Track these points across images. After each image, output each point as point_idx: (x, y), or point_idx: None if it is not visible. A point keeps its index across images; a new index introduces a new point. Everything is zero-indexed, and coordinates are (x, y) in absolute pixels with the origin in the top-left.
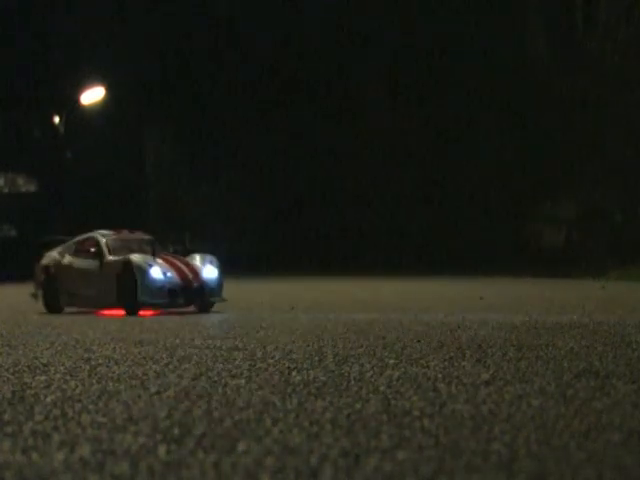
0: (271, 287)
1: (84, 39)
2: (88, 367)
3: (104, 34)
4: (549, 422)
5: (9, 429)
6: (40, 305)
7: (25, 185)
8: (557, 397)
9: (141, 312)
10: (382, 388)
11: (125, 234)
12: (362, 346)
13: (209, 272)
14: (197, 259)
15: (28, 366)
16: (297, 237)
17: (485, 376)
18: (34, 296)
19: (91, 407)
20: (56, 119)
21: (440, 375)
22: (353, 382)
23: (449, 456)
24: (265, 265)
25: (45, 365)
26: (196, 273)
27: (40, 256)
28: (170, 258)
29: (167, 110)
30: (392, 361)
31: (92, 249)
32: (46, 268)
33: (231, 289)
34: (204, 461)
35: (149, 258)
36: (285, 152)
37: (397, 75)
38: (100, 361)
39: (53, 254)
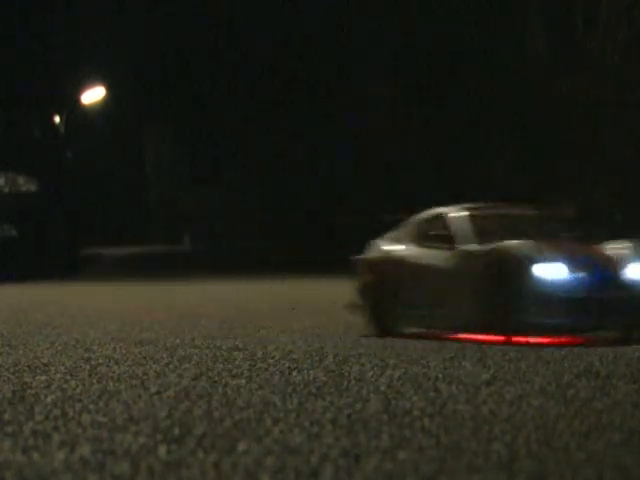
0: (272, 287)
1: (84, 39)
2: (88, 367)
3: (104, 34)
4: (549, 422)
5: (9, 429)
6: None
7: (25, 185)
8: (557, 397)
9: (522, 338)
10: (383, 388)
11: (501, 208)
12: (362, 346)
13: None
14: (618, 248)
15: (28, 366)
16: (297, 237)
17: (486, 376)
18: (353, 308)
19: (91, 407)
20: (56, 119)
21: (441, 375)
22: (354, 382)
23: (450, 456)
24: (264, 265)
25: (45, 365)
26: (618, 272)
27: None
28: (586, 248)
29: (167, 110)
30: (393, 361)
31: (440, 233)
32: (373, 266)
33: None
34: (204, 461)
35: (538, 246)
36: (285, 151)
37: (397, 75)
38: (100, 361)
39: (383, 243)
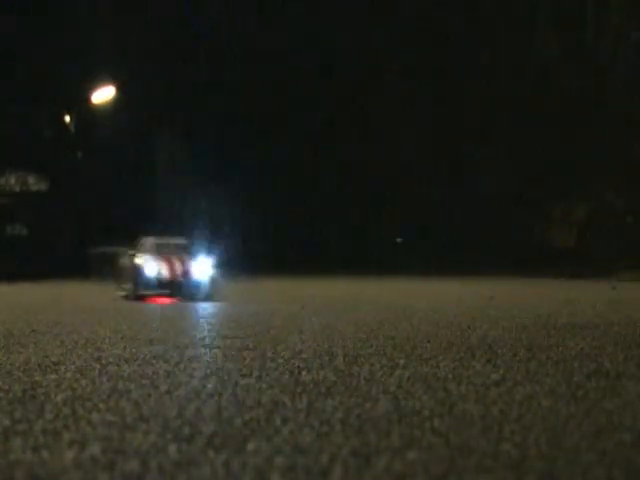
0: (281, 287)
1: (96, 39)
2: (98, 366)
3: (117, 33)
4: (559, 423)
5: (20, 427)
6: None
7: (36, 184)
8: (567, 398)
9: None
10: (392, 388)
11: (164, 239)
12: (372, 346)
13: (202, 271)
14: (195, 259)
15: (39, 365)
16: (306, 238)
17: (495, 376)
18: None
19: (101, 406)
20: (67, 118)
21: (450, 375)
22: (363, 382)
23: (459, 456)
24: (274, 265)
25: (56, 364)
26: (186, 271)
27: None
28: (169, 257)
29: (178, 110)
30: (402, 361)
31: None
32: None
33: (240, 289)
34: (214, 460)
35: (147, 258)
36: (293, 156)
37: (408, 78)
38: (110, 360)
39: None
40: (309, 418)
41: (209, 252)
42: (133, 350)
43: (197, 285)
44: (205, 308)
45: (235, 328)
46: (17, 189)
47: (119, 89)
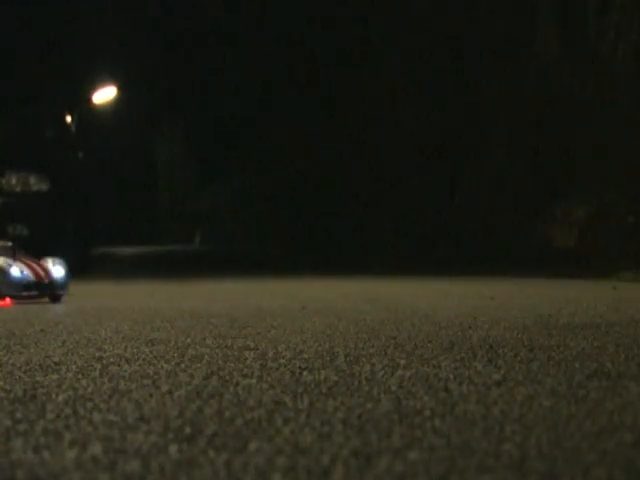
0: (282, 287)
1: (97, 38)
2: (100, 366)
3: (118, 33)
4: (560, 423)
5: (20, 428)
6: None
7: (37, 184)
8: (568, 398)
9: (2, 302)
10: (393, 388)
11: None
12: (373, 346)
13: (57, 271)
14: (49, 262)
15: (40, 365)
16: (307, 236)
17: (496, 377)
18: None
19: (102, 406)
20: (68, 118)
21: (451, 375)
22: (364, 382)
23: (460, 456)
24: (275, 264)
25: (57, 364)
26: (47, 272)
27: None
28: (26, 260)
29: (179, 110)
30: (403, 361)
31: None
32: None
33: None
34: (215, 460)
35: (9, 260)
36: (296, 153)
37: (409, 76)
38: (112, 360)
39: None
40: (310, 418)
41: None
42: (134, 350)
43: (56, 285)
44: (206, 307)
45: (236, 328)
46: (18, 189)
47: (120, 89)
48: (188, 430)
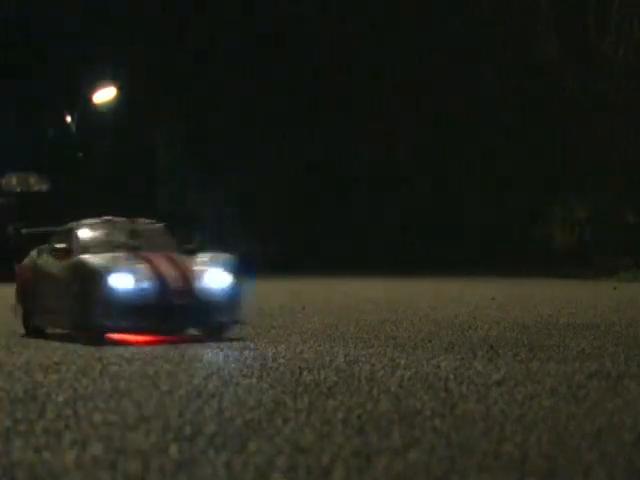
0: (282, 287)
1: (98, 38)
2: (100, 366)
3: (117, 34)
4: (560, 423)
5: (21, 427)
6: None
7: (36, 184)
8: (568, 398)
9: (108, 336)
10: (393, 388)
11: (122, 222)
12: (373, 346)
13: (216, 280)
14: (205, 261)
15: (40, 365)
16: (308, 237)
17: (496, 376)
18: (14, 310)
19: (102, 406)
20: (68, 118)
21: (452, 375)
22: (364, 382)
23: (460, 456)
24: (276, 265)
25: (57, 364)
26: (190, 283)
27: (22, 254)
28: (158, 259)
29: (179, 111)
30: (403, 361)
31: (63, 245)
32: (23, 272)
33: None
34: (215, 460)
35: (116, 258)
36: (298, 153)
37: (408, 74)
38: (112, 360)
39: (33, 252)
40: (310, 418)
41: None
42: (134, 350)
43: (206, 308)
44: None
45: (236, 328)
46: (18, 189)
47: (120, 89)
48: (188, 430)
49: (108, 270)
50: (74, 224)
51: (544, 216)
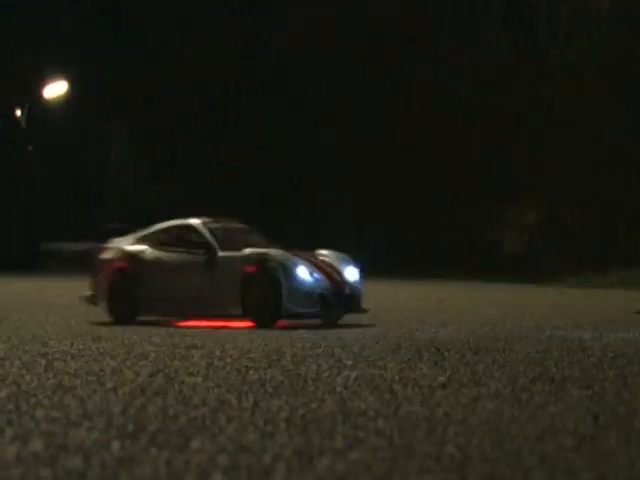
0: None
1: (49, 33)
2: (44, 362)
3: (68, 29)
4: (503, 425)
5: None
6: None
7: None
8: (512, 401)
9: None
10: (338, 389)
11: (226, 223)
12: (320, 346)
13: (351, 275)
14: (332, 258)
15: None
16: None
17: (441, 379)
18: (90, 300)
19: (46, 402)
20: (18, 113)
21: (397, 377)
22: (310, 382)
23: (402, 457)
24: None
25: (1, 359)
26: (342, 276)
27: (100, 248)
28: (305, 255)
29: (129, 107)
30: (349, 362)
31: (190, 240)
32: (113, 263)
33: None
34: (157, 458)
35: (290, 255)
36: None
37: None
38: (57, 356)
39: (122, 246)
40: (254, 417)
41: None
42: (80, 346)
43: (352, 297)
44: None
45: (184, 326)
46: None
47: (72, 84)
48: (131, 427)
49: (295, 263)
50: (193, 220)
51: (494, 221)
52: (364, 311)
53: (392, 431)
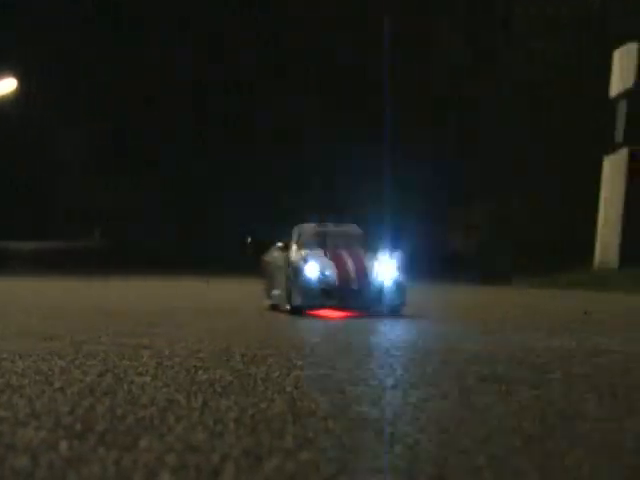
0: (175, 286)
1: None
2: None
3: (20, 28)
4: (452, 426)
5: None
6: None
7: None
8: (461, 401)
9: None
10: (288, 389)
11: (329, 227)
12: (271, 346)
13: (386, 271)
14: (378, 256)
15: None
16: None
17: (391, 380)
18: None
19: None
20: None
21: (347, 377)
22: (260, 382)
23: (351, 457)
24: (176, 263)
25: None
26: (361, 272)
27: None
28: (345, 254)
29: (81, 106)
30: (300, 362)
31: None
32: (264, 266)
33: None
34: (105, 457)
35: (308, 254)
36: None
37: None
38: (4, 355)
39: (271, 250)
40: (203, 417)
41: (393, 246)
42: (28, 346)
43: (378, 293)
44: (103, 304)
45: (133, 326)
46: None
47: (21, 82)
48: (79, 427)
49: (304, 261)
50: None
51: (447, 221)
52: (401, 306)
53: (342, 431)
